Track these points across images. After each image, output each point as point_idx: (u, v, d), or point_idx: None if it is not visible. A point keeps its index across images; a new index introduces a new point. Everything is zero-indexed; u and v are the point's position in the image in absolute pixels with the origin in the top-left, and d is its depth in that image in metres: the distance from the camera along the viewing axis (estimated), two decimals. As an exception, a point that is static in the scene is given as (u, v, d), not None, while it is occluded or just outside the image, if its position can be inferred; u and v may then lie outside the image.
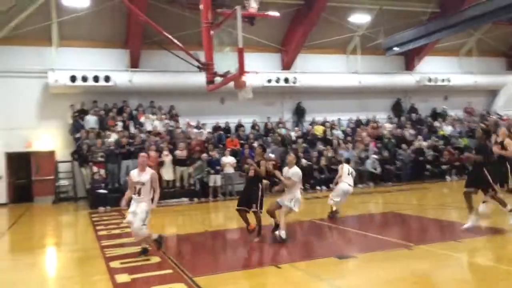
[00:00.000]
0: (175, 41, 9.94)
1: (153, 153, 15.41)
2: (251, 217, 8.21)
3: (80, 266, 7.26)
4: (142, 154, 7.86)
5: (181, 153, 16.05)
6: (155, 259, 7.23)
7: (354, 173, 10.94)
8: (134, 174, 7.45)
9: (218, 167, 16.27)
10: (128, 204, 7.55)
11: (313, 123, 21.02)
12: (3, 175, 17.43)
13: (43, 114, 17.99)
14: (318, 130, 20.39)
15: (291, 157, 8.70)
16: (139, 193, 7.31)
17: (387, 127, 21.14)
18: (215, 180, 16.04)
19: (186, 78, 17.93)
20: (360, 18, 20.78)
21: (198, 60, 9.33)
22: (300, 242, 8.60)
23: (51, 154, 18.07)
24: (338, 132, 20.45)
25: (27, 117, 17.65)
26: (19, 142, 17.52)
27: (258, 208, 8.07)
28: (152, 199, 7.42)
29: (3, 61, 17.30)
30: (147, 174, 7.36)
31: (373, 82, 22.07)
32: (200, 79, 15.77)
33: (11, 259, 8.57)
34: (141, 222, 7.16)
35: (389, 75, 22.59)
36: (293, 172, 8.23)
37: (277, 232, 8.06)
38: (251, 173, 8.30)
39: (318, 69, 21.38)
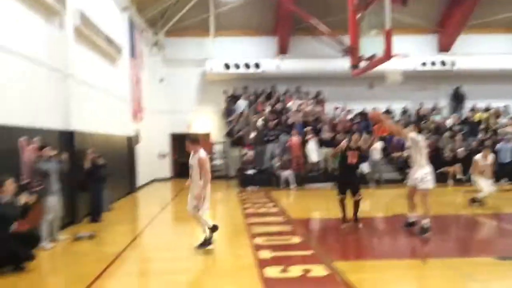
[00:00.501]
0: (321, 26, 9.88)
1: (295, 138, 15.65)
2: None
3: (228, 239, 7.76)
4: (186, 142, 6.98)
5: (327, 134, 15.93)
6: (296, 240, 7.35)
7: None
8: (190, 156, 6.90)
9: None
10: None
11: (473, 110, 18.99)
12: (168, 153, 19.62)
13: (200, 99, 19.72)
14: (480, 117, 18.37)
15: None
16: (191, 177, 6.82)
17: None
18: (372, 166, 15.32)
19: (333, 63, 17.76)
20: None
21: (342, 45, 9.12)
22: (451, 237, 7.89)
23: (207, 135, 19.70)
24: (504, 121, 18.13)
25: (188, 102, 19.57)
26: (181, 124, 19.49)
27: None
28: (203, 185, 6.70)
29: (169, 51, 19.32)
30: (196, 157, 6.77)
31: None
32: (347, 64, 15.49)
33: (173, 226, 9.61)
34: (193, 208, 6.77)
35: None
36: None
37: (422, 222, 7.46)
38: (353, 159, 8.04)
39: (482, 51, 19.16)
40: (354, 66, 8.92)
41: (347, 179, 8.20)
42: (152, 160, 18.24)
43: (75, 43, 9.72)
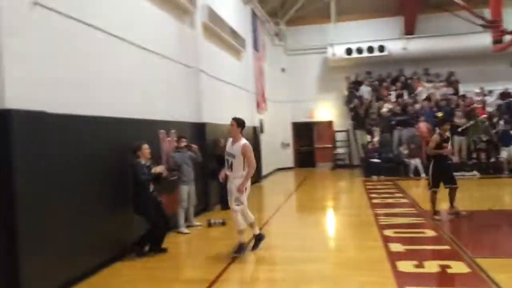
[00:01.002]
0: (458, 0, 9.03)
1: (422, 124, 14.63)
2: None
3: (354, 230, 7.58)
4: (231, 122, 6.19)
5: (458, 121, 14.59)
6: (431, 233, 6.89)
7: None
8: (228, 145, 6.26)
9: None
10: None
11: None
12: (290, 142, 19.85)
13: (322, 87, 19.51)
14: None
15: None
16: (231, 168, 6.15)
17: None
18: (509, 153, 13.75)
19: (468, 41, 16.33)
20: None
21: (482, 18, 8.19)
22: None
23: (329, 124, 19.47)
24: None
25: (309, 90, 19.51)
26: (303, 113, 19.55)
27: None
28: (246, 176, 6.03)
29: (290, 40, 19.43)
30: (239, 145, 6.05)
31: None
32: (484, 40, 13.94)
33: (298, 217, 9.70)
34: (236, 203, 6.05)
35: None
36: None
37: None
38: (447, 151, 7.89)
39: None
40: (496, 41, 7.96)
41: (442, 171, 7.86)
42: (276, 149, 18.62)
43: (204, 39, 10.25)
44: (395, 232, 6.94)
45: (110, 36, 6.23)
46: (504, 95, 16.83)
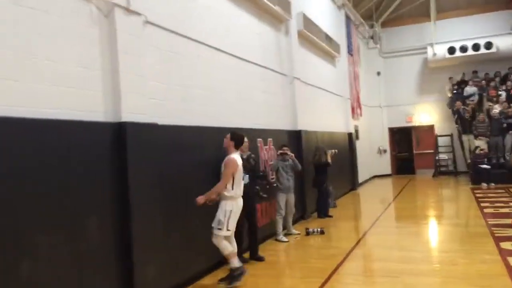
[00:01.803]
0: None
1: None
2: None
3: (464, 241, 7.01)
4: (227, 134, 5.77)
5: None
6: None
7: None
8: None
9: None
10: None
11: None
12: (387, 148, 19.08)
13: (421, 89, 18.53)
14: None
15: None
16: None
17: None
18: None
19: None
20: None
21: None
22: None
23: (431, 128, 18.41)
24: None
25: (407, 93, 18.63)
26: (400, 117, 18.72)
27: None
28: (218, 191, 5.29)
29: (385, 43, 18.76)
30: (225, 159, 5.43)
31: None
32: None
33: (396, 226, 9.25)
34: (216, 225, 5.27)
35: None
36: None
37: None
38: None
39: None
40: None
41: None
42: (372, 156, 18.03)
43: (299, 46, 10.27)
44: (515, 245, 6.32)
45: (211, 49, 6.49)
46: None
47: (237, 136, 5.56)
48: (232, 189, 5.30)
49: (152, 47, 5.14)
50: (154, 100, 5.06)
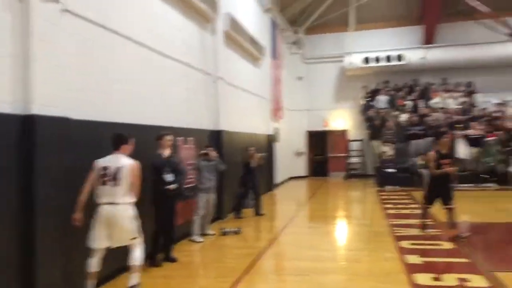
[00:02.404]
0: (482, 8, 8.92)
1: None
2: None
3: (370, 241, 7.52)
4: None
5: (474, 132, 14.44)
6: (448, 245, 6.82)
7: None
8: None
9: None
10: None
11: None
12: (304, 151, 19.81)
13: (338, 96, 19.48)
14: None
15: None
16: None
17: None
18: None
19: (490, 50, 16.15)
20: None
21: (509, 27, 8.11)
22: None
23: (344, 133, 19.41)
24: None
25: (325, 99, 19.51)
26: (318, 122, 19.54)
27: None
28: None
29: (308, 49, 19.46)
30: (122, 162, 4.83)
31: None
32: (506, 49, 13.80)
33: (309, 226, 9.67)
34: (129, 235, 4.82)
35: None
36: None
37: None
38: (451, 170, 7.25)
39: None
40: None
41: (437, 189, 7.35)
42: (290, 158, 18.61)
43: (225, 47, 10.34)
44: (412, 244, 6.89)
45: (133, 42, 6.33)
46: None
47: (120, 136, 5.01)
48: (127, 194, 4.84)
49: (69, 36, 4.91)
50: (69, 93, 4.84)
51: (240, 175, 10.02)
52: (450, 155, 7.52)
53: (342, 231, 8.98)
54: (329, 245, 7.41)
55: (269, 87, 15.08)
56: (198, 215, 7.71)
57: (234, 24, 10.71)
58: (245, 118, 12.17)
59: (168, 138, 6.29)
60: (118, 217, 4.70)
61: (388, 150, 15.44)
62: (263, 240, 7.58)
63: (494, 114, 15.53)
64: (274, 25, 15.63)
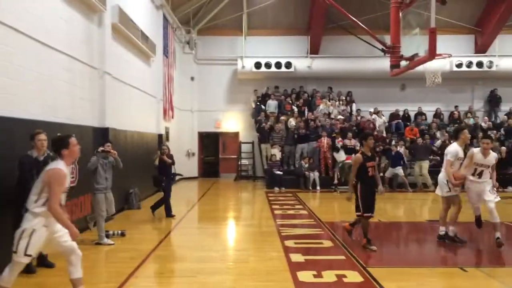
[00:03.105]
0: (360, 24, 9.73)
1: (324, 139, 15.56)
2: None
3: (257, 241, 7.69)
4: None
5: (349, 142, 15.67)
6: (328, 243, 7.24)
7: None
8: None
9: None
10: None
11: (510, 113, 18.41)
12: (196, 152, 19.70)
13: (230, 98, 19.73)
14: (516, 122, 17.76)
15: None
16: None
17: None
18: (393, 173, 15.00)
19: (366, 63, 17.64)
20: None
21: (383, 43, 8.92)
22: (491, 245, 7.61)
23: (236, 135, 19.71)
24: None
25: (218, 101, 19.63)
26: (210, 123, 19.58)
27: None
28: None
29: (201, 50, 19.39)
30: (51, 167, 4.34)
31: None
32: (381, 64, 15.13)
33: (199, 227, 9.60)
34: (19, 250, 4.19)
35: None
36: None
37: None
38: (373, 171, 6.87)
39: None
40: (394, 66, 8.67)
41: (374, 194, 6.92)
42: (181, 158, 18.35)
43: (113, 40, 9.84)
44: (296, 243, 7.19)
45: (8, 28, 5.70)
46: (393, 116, 18.50)
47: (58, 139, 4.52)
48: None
49: None
50: None
51: (154, 175, 9.77)
52: (374, 157, 7.12)
53: (231, 231, 9.06)
54: (218, 246, 7.41)
55: (161, 85, 14.73)
56: (102, 217, 7.18)
57: (124, 18, 10.25)
58: (134, 116, 11.71)
59: (40, 137, 5.51)
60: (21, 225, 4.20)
61: (276, 153, 16.02)
62: (150, 242, 7.32)
63: (367, 124, 16.96)
64: (166, 23, 15.32)
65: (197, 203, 12.71)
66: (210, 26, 18.99)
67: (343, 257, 6.44)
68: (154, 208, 9.89)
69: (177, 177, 10.70)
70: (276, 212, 10.46)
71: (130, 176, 10.70)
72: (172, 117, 16.32)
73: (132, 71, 11.64)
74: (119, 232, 7.78)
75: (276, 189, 15.01)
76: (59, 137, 4.60)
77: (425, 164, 15.07)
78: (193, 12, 18.43)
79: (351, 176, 6.99)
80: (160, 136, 14.37)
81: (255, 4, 18.33)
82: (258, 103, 18.72)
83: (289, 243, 7.20)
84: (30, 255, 4.20)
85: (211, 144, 20.20)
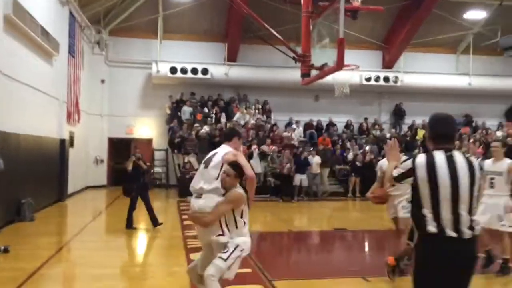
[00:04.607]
0: (275, 33, 9.72)
1: (240, 147, 15.46)
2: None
3: (162, 254, 7.25)
4: None
5: (267, 148, 15.74)
6: (235, 256, 6.96)
7: None
8: None
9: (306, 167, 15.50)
10: None
11: (412, 126, 19.64)
12: (104, 159, 18.58)
13: (144, 103, 18.90)
14: (420, 134, 18.94)
15: None
16: None
17: (498, 135, 19.00)
18: (300, 180, 15.39)
19: (282, 73, 17.83)
20: (476, 15, 18.80)
21: (294, 52, 8.94)
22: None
23: (149, 141, 18.92)
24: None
25: (130, 105, 18.70)
26: (121, 128, 18.58)
27: None
28: None
29: (113, 51, 18.40)
30: None
31: (485, 85, 19.94)
32: (297, 74, 15.35)
33: (104, 240, 8.88)
34: None
35: (504, 78, 20.25)
36: None
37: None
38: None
39: (424, 69, 19.84)
40: (305, 74, 8.72)
41: None
42: (87, 165, 17.20)
43: (5, 34, 8.88)
44: (202, 256, 6.82)
45: None
46: (308, 125, 18.91)
47: None
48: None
49: None
50: None
51: (125, 183, 9.04)
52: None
53: (133, 244, 8.47)
54: (116, 261, 6.82)
55: (65, 87, 13.67)
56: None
57: (19, 10, 9.29)
58: (31, 119, 10.65)
59: None
60: None
61: (193, 161, 15.55)
62: (37, 259, 6.53)
63: (283, 134, 17.17)
64: (73, 21, 14.30)
65: (102, 214, 11.87)
66: (124, 27, 18.10)
67: (249, 270, 6.18)
68: (128, 223, 9.02)
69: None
70: (186, 222, 9.99)
71: (23, 184, 9.66)
72: (78, 121, 15.21)
73: (29, 69, 10.59)
74: (2, 248, 6.87)
75: (189, 197, 14.48)
76: None
77: (326, 172, 15.68)
78: (104, 11, 17.41)
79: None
80: (62, 141, 13.28)
81: (171, 7, 17.77)
82: (172, 110, 18.13)
83: (195, 256, 6.79)
84: None
85: (123, 151, 19.12)
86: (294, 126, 18.17)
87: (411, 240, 4.91)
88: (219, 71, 18.57)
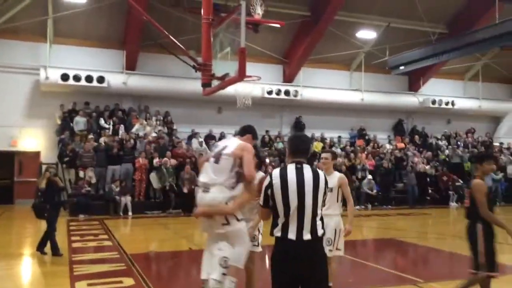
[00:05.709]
0: (176, 41, 9.29)
1: (141, 161, 14.79)
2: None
3: (39, 284, 6.38)
4: None
5: (168, 161, 15.21)
6: (129, 282, 6.36)
7: None
8: None
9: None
10: None
11: (312, 138, 20.32)
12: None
13: (31, 113, 17.24)
14: (317, 146, 19.64)
15: None
16: None
17: (387, 148, 20.43)
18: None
19: (184, 84, 17.40)
20: (367, 34, 20.15)
21: (195, 60, 8.59)
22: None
23: (36, 154, 17.24)
24: (337, 150, 19.69)
25: (14, 115, 16.91)
26: (3, 140, 16.72)
27: None
28: None
29: (-6, 54, 16.56)
30: None
31: (376, 101, 21.38)
32: (198, 85, 15.04)
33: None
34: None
35: (392, 95, 21.94)
36: None
37: None
38: None
39: (321, 84, 20.67)
40: (206, 84, 8.39)
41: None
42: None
43: None
44: (89, 284, 6.13)
45: None
46: (208, 137, 18.61)
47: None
48: None
49: None
50: None
51: (35, 203, 8.18)
52: None
53: (9, 274, 7.40)
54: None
55: None
56: None
57: None
58: None
59: None
60: None
61: (91, 175, 14.41)
62: None
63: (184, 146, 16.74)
64: None
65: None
66: (7, 28, 16.36)
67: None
68: (40, 246, 7.95)
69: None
70: (75, 245, 9.10)
71: None
72: None
73: None
74: None
75: (81, 216, 13.40)
76: None
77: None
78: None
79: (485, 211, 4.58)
80: None
81: (63, 9, 16.45)
82: (64, 120, 16.72)
83: (81, 285, 6.10)
84: None
85: (5, 165, 17.21)
86: (195, 139, 17.76)
87: (477, 269, 4.59)
88: (117, 79, 17.58)
